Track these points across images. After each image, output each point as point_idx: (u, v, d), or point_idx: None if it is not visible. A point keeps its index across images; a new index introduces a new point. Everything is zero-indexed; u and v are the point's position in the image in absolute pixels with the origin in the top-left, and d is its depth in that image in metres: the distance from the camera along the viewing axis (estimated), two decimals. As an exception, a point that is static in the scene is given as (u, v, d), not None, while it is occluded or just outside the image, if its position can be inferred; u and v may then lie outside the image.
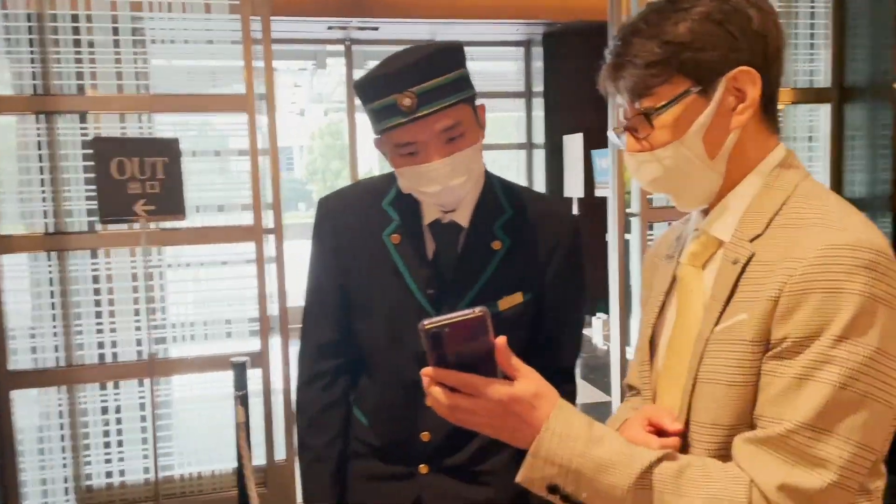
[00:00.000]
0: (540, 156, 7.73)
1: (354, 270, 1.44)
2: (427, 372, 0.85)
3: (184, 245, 3.27)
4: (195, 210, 3.24)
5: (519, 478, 0.88)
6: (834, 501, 0.82)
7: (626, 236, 3.67)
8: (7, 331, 3.03)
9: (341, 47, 7.22)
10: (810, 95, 3.80)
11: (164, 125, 3.38)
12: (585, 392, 5.13)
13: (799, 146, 3.82)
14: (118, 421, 3.24)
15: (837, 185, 3.83)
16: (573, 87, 7.18)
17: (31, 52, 3.05)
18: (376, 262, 1.42)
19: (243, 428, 2.54)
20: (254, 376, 3.08)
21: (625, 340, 3.70)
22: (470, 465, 1.44)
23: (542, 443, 0.85)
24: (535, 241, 1.42)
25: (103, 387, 3.22)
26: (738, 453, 0.88)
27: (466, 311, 0.82)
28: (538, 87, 7.64)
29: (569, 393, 1.47)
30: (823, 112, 3.83)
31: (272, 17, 3.21)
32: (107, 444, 3.24)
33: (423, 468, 1.44)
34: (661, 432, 0.99)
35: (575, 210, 6.74)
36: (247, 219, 3.25)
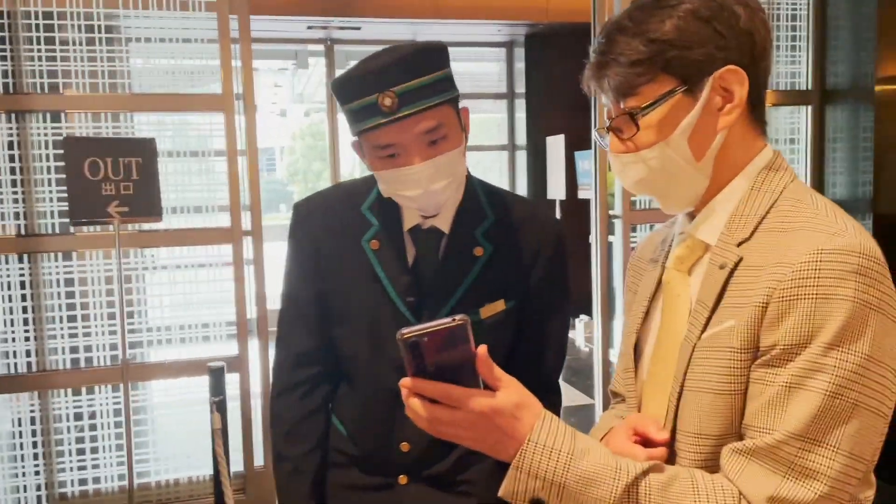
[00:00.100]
0: (522, 157, 7.72)
1: (332, 277, 1.40)
2: (405, 383, 0.82)
3: (160, 247, 3.21)
4: (172, 211, 3.18)
5: (501, 491, 0.84)
6: None
7: (609, 238, 3.66)
8: (-23, 335, 2.96)
9: (322, 47, 7.17)
10: (792, 97, 3.81)
11: (141, 125, 3.32)
12: (568, 395, 5.12)
13: (780, 148, 3.83)
14: (92, 427, 3.17)
15: (819, 187, 3.84)
16: (556, 88, 7.19)
17: (2, 51, 2.98)
18: (354, 268, 1.38)
19: (220, 434, 2.49)
20: (232, 380, 3.03)
21: (607, 343, 3.68)
22: (450, 475, 1.40)
23: (526, 455, 0.82)
24: (518, 246, 1.38)
25: (77, 392, 3.15)
26: (726, 464, 0.85)
27: (446, 320, 0.78)
28: (520, 88, 7.64)
29: (553, 403, 1.44)
30: (805, 114, 3.84)
31: (251, 16, 3.16)
32: (80, 451, 3.17)
33: (402, 479, 1.41)
34: (646, 442, 0.96)
35: (557, 212, 6.73)
36: (225, 220, 3.19)
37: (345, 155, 7.29)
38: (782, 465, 0.80)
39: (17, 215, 3.03)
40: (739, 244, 0.92)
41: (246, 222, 3.21)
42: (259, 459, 3.29)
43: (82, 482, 3.18)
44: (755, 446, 0.82)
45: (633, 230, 3.59)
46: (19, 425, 3.10)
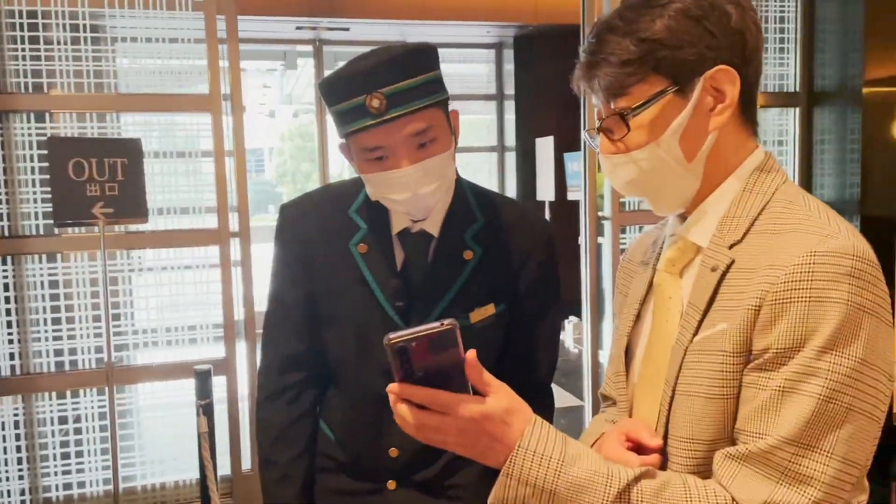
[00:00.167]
0: (512, 159, 7.72)
1: (319, 280, 1.38)
2: (393, 388, 0.80)
3: (146, 249, 3.18)
4: (158, 213, 3.15)
5: (491, 498, 0.83)
6: None
7: (599, 240, 3.65)
8: (-40, 338, 2.92)
9: (311, 48, 7.14)
10: (780, 99, 3.82)
11: (127, 126, 3.29)
12: (557, 396, 5.08)
13: (768, 150, 3.82)
14: (77, 431, 3.14)
15: (807, 188, 3.84)
16: (545, 89, 7.19)
17: (-14, 49, 2.95)
18: (342, 272, 1.35)
19: (206, 438, 2.46)
20: (219, 383, 3.00)
21: (597, 344, 3.68)
22: (439, 480, 1.39)
23: (516, 462, 0.80)
24: (508, 250, 1.36)
25: (61, 396, 3.11)
26: (719, 470, 0.84)
27: (434, 324, 0.77)
28: (510, 89, 7.63)
29: (545, 407, 1.42)
30: (793, 116, 3.85)
31: (239, 17, 3.14)
32: (65, 455, 3.13)
33: (391, 484, 1.39)
34: (639, 448, 0.94)
35: (546, 213, 6.73)
36: (212, 222, 3.16)
37: (334, 156, 7.26)
38: (776, 471, 0.79)
39: (0, 216, 2.99)
40: (731, 246, 0.90)
41: (233, 224, 3.19)
42: (246, 463, 3.26)
43: (67, 487, 3.14)
44: (748, 451, 0.81)
45: (623, 231, 3.58)
46: (2, 429, 3.06)
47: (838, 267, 0.79)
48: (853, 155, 3.65)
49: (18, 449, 3.07)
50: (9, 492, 3.07)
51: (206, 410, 2.52)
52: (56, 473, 3.14)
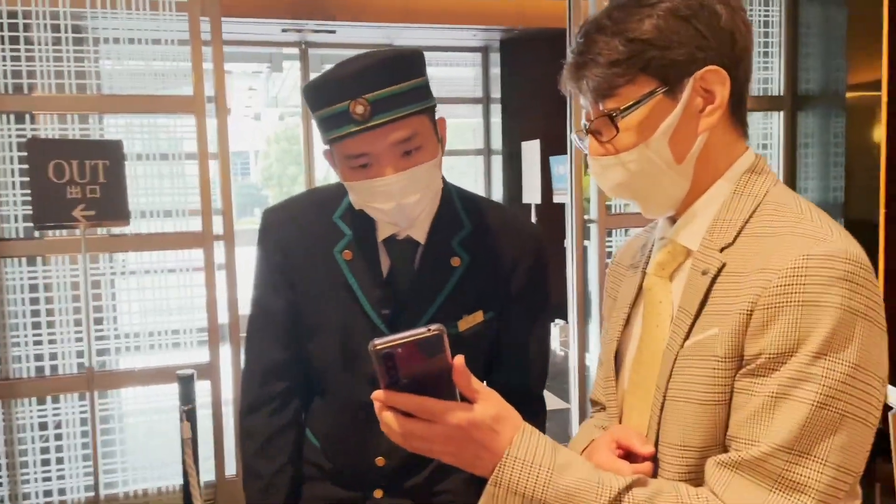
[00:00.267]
0: (498, 162, 7.72)
1: (303, 288, 1.34)
2: (378, 395, 0.78)
3: (129, 252, 3.14)
4: (141, 215, 3.11)
5: (478, 508, 0.81)
6: None
7: (584, 243, 3.65)
8: (-63, 343, 2.87)
9: (297, 50, 7.11)
10: (764, 103, 3.83)
11: (109, 127, 3.24)
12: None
13: (753, 153, 3.84)
14: (58, 437, 3.09)
15: (791, 191, 3.86)
16: (531, 93, 7.19)
17: (-35, 50, 2.90)
18: (327, 279, 1.32)
19: (189, 444, 2.43)
20: (203, 388, 2.97)
21: (583, 348, 3.67)
22: (427, 486, 1.37)
23: (504, 471, 0.78)
24: (497, 256, 1.34)
25: (42, 401, 3.06)
26: (711, 478, 0.82)
27: (421, 330, 0.75)
28: (496, 93, 7.63)
29: (536, 416, 1.40)
30: (777, 120, 3.87)
31: (224, 18, 3.11)
32: (45, 462, 3.08)
33: (377, 493, 1.37)
34: (630, 455, 0.93)
35: (533, 217, 6.73)
36: (196, 225, 3.13)
37: (320, 160, 7.23)
38: (769, 479, 0.78)
39: (-21, 219, 2.94)
40: (722, 249, 0.89)
41: (217, 227, 3.15)
42: (231, 468, 3.22)
43: (47, 494, 3.09)
44: (741, 459, 0.80)
45: (609, 235, 3.58)
46: (-19, 436, 3.01)
47: (831, 270, 0.78)
48: (837, 158, 3.67)
49: (-3, 456, 3.02)
50: (-12, 499, 3.03)
51: (190, 416, 2.49)
52: (36, 480, 3.08)
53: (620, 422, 1.02)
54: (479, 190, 7.77)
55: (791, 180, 3.87)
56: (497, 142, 7.69)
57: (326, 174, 9.08)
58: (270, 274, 1.37)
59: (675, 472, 0.88)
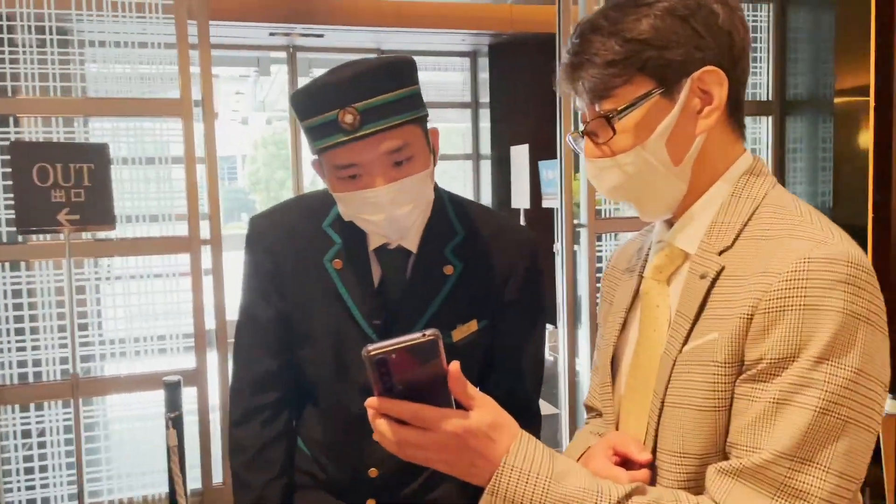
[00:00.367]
0: (487, 167, 7.71)
1: (292, 297, 1.31)
2: (372, 403, 0.76)
3: (114, 256, 3.10)
4: (127, 220, 3.07)
5: (474, 517, 0.79)
6: None
7: (574, 247, 3.64)
8: (-82, 350, 2.82)
9: (285, 54, 7.08)
10: (752, 108, 3.84)
11: (95, 131, 3.21)
12: (533, 404, 5.05)
13: (743, 158, 3.84)
14: (41, 445, 3.04)
15: (780, 196, 3.87)
16: (520, 97, 7.20)
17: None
18: (317, 288, 1.29)
19: (175, 452, 2.39)
20: (189, 394, 2.93)
21: (573, 352, 3.66)
22: (420, 495, 1.34)
23: (501, 480, 0.76)
24: (490, 263, 1.31)
25: (25, 408, 3.01)
26: (711, 485, 0.81)
27: (416, 335, 0.73)
28: (485, 97, 7.63)
29: (528, 423, 1.36)
30: (765, 124, 3.88)
31: (211, 22, 3.08)
32: (29, 470, 3.03)
33: (370, 502, 1.34)
34: (627, 462, 0.91)
35: (522, 221, 6.72)
36: (182, 229, 3.09)
37: (308, 164, 7.20)
38: (771, 486, 0.76)
39: (-39, 224, 2.89)
40: (721, 252, 0.88)
41: (204, 231, 3.12)
42: (217, 476, 3.18)
43: (31, 502, 3.04)
44: (742, 466, 0.78)
45: (599, 239, 3.57)
46: (-37, 444, 2.96)
47: (833, 274, 0.77)
48: (825, 163, 3.68)
49: (-20, 464, 2.97)
50: (-31, 508, 2.97)
51: (176, 423, 2.45)
52: (20, 489, 3.03)
53: (617, 428, 1.00)
54: (468, 194, 7.76)
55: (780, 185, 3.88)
56: (486, 146, 7.69)
57: (314, 179, 9.04)
58: (259, 282, 1.34)
59: (674, 480, 0.86)
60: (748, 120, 3.85)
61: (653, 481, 0.89)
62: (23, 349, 2.97)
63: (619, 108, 0.90)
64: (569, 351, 3.64)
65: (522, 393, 1.36)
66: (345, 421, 1.31)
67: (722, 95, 0.89)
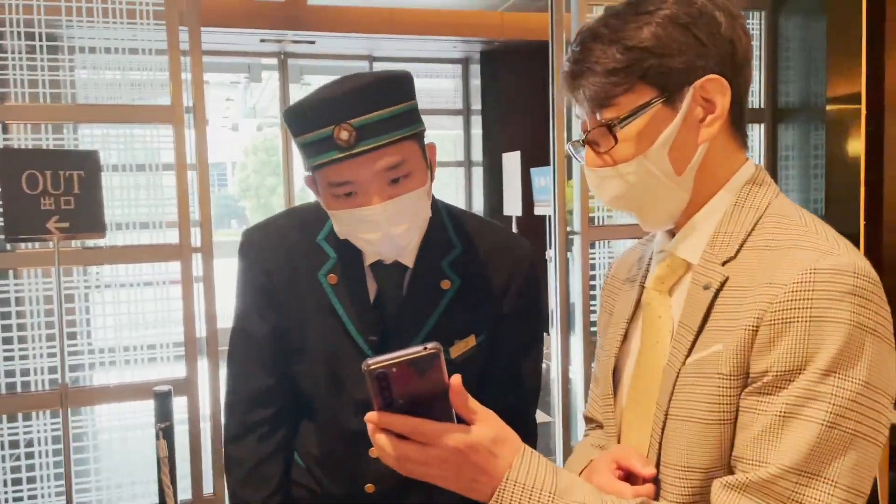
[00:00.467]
0: (478, 174, 7.71)
1: (286, 312, 1.29)
2: (371, 417, 0.74)
3: (104, 265, 3.07)
4: (117, 227, 3.04)
5: (476, 534, 0.77)
6: None
7: (567, 255, 3.63)
8: None
9: (276, 60, 7.06)
10: (745, 115, 3.85)
11: (85, 138, 3.18)
12: (526, 412, 5.03)
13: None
14: (29, 455, 2.99)
15: (772, 204, 3.88)
16: (511, 104, 7.21)
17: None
18: (311, 303, 1.27)
19: (166, 463, 2.36)
20: (180, 403, 2.90)
21: (567, 360, 3.65)
22: (417, 509, 1.32)
23: (504, 496, 0.75)
24: (489, 276, 1.28)
25: (13, 419, 2.97)
26: (717, 500, 0.79)
27: (417, 349, 0.71)
28: (476, 104, 7.64)
29: (525, 437, 1.34)
30: (757, 132, 3.89)
31: (202, 28, 3.06)
32: (16, 481, 2.99)
33: None
34: (630, 476, 0.90)
35: (514, 229, 6.72)
36: (173, 237, 3.06)
37: (299, 171, 7.18)
38: (778, 501, 0.75)
39: (-52, 231, 2.85)
40: (724, 263, 0.86)
41: (195, 239, 3.09)
42: (208, 487, 3.15)
43: (18, 514, 3.00)
44: (748, 481, 0.77)
45: (592, 246, 3.57)
46: (-51, 455, 2.91)
47: (840, 285, 0.76)
48: (817, 171, 3.70)
49: (-34, 475, 2.92)
50: (-45, 521, 2.93)
51: (167, 434, 2.42)
52: (7, 500, 2.99)
53: (619, 441, 0.98)
54: (460, 201, 7.76)
55: (771, 192, 3.89)
56: (477, 153, 7.69)
57: (304, 185, 8.99)
58: (253, 297, 1.31)
59: (678, 495, 0.84)
60: (740, 127, 3.87)
61: (657, 496, 0.88)
62: (11, 358, 2.93)
63: (620, 117, 0.89)
64: (562, 358, 3.63)
65: (518, 407, 1.33)
66: (341, 436, 1.29)
67: (724, 104, 0.88)
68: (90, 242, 2.90)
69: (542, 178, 6.38)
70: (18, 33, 2.90)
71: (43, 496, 3.02)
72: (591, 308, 3.49)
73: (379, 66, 7.45)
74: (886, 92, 3.48)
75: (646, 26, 0.88)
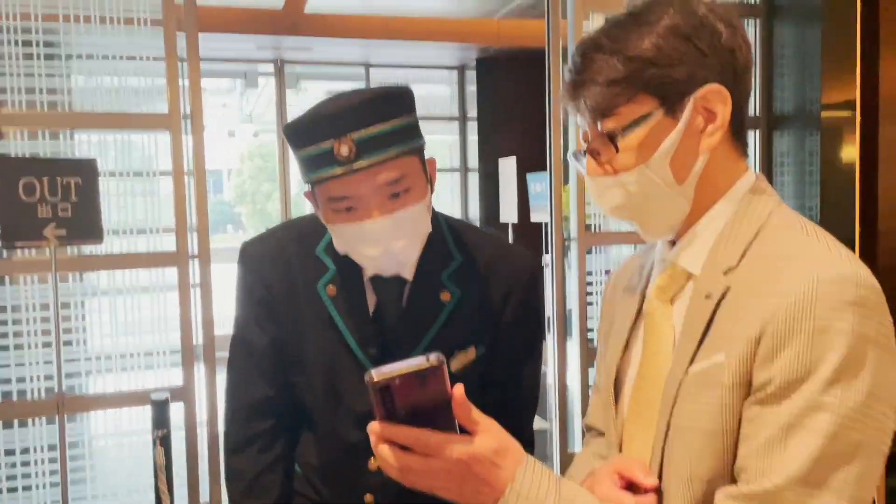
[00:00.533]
0: (474, 180, 7.73)
1: (285, 324, 1.28)
2: (374, 428, 0.74)
3: (100, 271, 3.06)
4: (114, 234, 3.03)
5: (479, 545, 0.77)
6: None
7: (564, 261, 3.63)
8: None
9: (272, 67, 7.07)
10: (740, 122, 3.86)
11: (82, 144, 3.17)
12: (523, 418, 5.03)
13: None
14: (25, 463, 2.98)
15: (768, 210, 3.89)
16: (507, 111, 7.23)
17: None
18: (310, 315, 1.26)
19: (163, 470, 2.35)
20: (177, 410, 2.89)
21: (564, 366, 3.64)
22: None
23: (507, 507, 0.75)
24: (489, 288, 1.28)
25: (8, 426, 2.95)
26: (720, 511, 0.79)
27: (419, 360, 0.71)
28: (472, 111, 7.66)
29: (523, 447, 1.34)
30: (753, 139, 3.90)
31: (200, 34, 3.06)
32: (12, 489, 2.97)
33: None
34: (632, 486, 0.90)
35: (510, 235, 6.72)
36: (169, 243, 3.06)
37: (295, 177, 7.18)
38: None
39: (-56, 238, 2.84)
40: (726, 272, 0.87)
41: (192, 245, 3.08)
42: (205, 495, 3.13)
43: (13, 523, 2.99)
44: (752, 491, 0.77)
45: (588, 252, 3.57)
46: (-56, 463, 2.89)
47: (842, 295, 0.76)
48: (812, 177, 3.71)
49: (-39, 483, 2.91)
50: (-50, 529, 2.91)
51: (164, 441, 2.41)
52: (2, 509, 2.98)
53: (620, 450, 0.98)
54: (456, 208, 7.77)
55: (767, 199, 3.90)
56: (473, 160, 7.71)
57: (301, 190, 9.00)
58: (253, 308, 1.31)
59: (681, 505, 0.84)
60: (736, 134, 3.88)
61: (659, 507, 0.88)
62: (6, 366, 2.92)
63: (622, 127, 0.89)
64: (559, 365, 3.63)
65: (518, 423, 1.32)
66: (340, 448, 1.28)
67: (725, 114, 0.89)
68: (87, 249, 2.89)
69: (538, 184, 6.39)
70: (15, 40, 2.89)
71: (38, 504, 3.00)
72: (588, 314, 3.49)
73: (375, 73, 7.46)
74: (881, 98, 3.50)
75: (647, 37, 0.88)
